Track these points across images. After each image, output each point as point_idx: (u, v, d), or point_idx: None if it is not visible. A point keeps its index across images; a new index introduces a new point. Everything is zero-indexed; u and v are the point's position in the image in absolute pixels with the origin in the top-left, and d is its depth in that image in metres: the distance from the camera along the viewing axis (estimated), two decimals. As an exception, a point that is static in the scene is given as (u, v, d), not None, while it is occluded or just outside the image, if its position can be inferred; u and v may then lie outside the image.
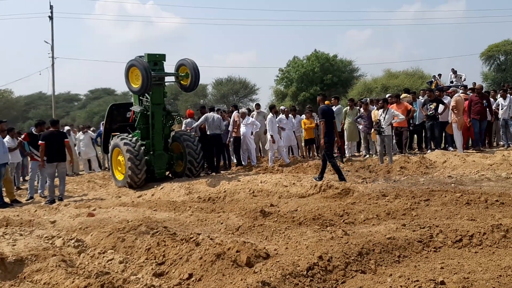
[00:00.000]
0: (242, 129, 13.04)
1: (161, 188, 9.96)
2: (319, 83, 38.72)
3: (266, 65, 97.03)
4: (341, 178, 9.23)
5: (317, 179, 9.27)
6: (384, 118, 11.22)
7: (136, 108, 11.52)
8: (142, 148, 10.86)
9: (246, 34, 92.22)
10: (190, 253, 4.41)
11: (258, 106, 14.90)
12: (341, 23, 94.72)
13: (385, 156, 11.41)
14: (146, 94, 10.98)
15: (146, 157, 10.92)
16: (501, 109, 12.51)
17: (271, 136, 12.81)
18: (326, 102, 11.83)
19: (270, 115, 13.21)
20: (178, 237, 4.94)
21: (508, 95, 12.47)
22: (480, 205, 6.21)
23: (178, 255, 4.48)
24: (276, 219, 6.31)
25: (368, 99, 15.69)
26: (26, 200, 10.70)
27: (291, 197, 8.12)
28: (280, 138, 13.33)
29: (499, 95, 12.87)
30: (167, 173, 11.92)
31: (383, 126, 11.19)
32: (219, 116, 12.83)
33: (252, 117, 13.69)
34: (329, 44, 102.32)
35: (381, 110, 11.51)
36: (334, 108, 12.28)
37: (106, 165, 15.69)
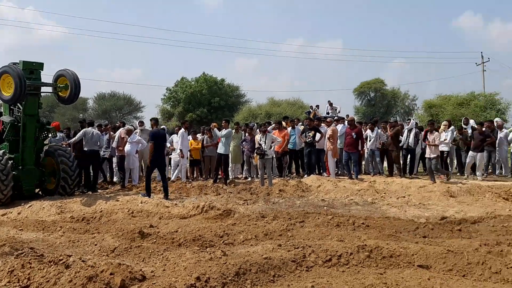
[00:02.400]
0: (127, 147, 12.62)
1: (29, 206, 9.12)
2: (207, 105, 39.13)
3: (153, 83, 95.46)
4: (148, 195, 10.16)
5: (144, 195, 10.14)
6: (265, 142, 11.74)
7: (5, 118, 10.51)
8: (10, 162, 9.89)
9: (134, 50, 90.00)
10: (59, 276, 4.09)
11: (141, 123, 14.50)
12: (230, 49, 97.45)
13: (265, 179, 11.86)
14: (18, 104, 10.09)
15: (14, 172, 9.95)
16: (369, 140, 13.79)
17: (181, 151, 13.14)
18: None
19: (182, 130, 13.19)
20: (45, 259, 4.55)
21: (376, 128, 13.83)
22: (349, 227, 6.72)
23: (45, 278, 4.12)
24: (155, 240, 6.14)
25: (254, 124, 16.21)
26: None
27: (172, 218, 7.98)
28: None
29: (367, 128, 14.18)
30: (36, 190, 10.97)
31: (265, 150, 11.69)
32: (98, 132, 12.29)
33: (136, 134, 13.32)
34: (218, 69, 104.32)
35: (260, 135, 12.09)
36: (224, 131, 12.55)
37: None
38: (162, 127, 14.70)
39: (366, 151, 14.09)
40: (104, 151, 12.89)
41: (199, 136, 14.43)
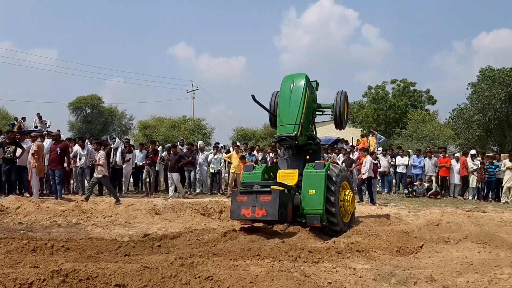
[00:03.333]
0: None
1: None
2: None
3: None
4: None
5: None
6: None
7: None
8: None
9: None
10: None
11: None
12: None
13: None
14: None
15: None
16: (79, 158, 13.25)
17: None
18: None
19: None
20: None
21: (86, 145, 13.39)
22: (46, 251, 6.18)
23: None
24: None
25: None
26: None
27: None
28: None
29: (76, 145, 13.63)
30: None
31: None
32: None
33: None
34: None
35: None
36: None
37: None
38: None
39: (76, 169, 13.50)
40: None
41: None
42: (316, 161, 8.23)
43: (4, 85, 74.50)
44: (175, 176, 13.47)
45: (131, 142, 17.67)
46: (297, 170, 8.57)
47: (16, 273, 4.75)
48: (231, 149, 16.34)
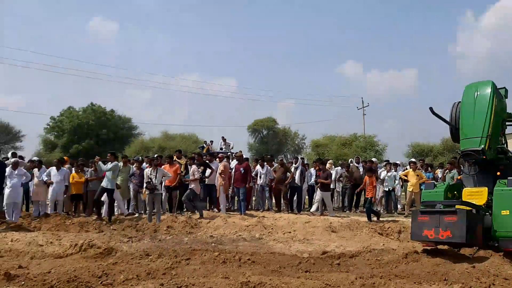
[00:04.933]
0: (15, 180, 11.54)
1: None
2: (94, 137, 37.34)
3: (35, 111, 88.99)
4: None
5: None
6: (155, 176, 11.43)
7: None
8: None
9: (17, 76, 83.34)
10: None
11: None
12: (122, 80, 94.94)
13: (153, 215, 11.47)
14: None
15: None
16: (259, 177, 14.12)
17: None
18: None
19: None
20: None
21: (265, 164, 14.19)
22: (235, 263, 6.70)
23: None
24: (23, 282, 5.55)
25: (140, 157, 15.74)
26: None
27: (45, 258, 7.31)
28: None
29: (258, 165, 14.53)
30: None
31: (156, 184, 11.36)
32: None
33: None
34: (107, 100, 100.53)
35: (151, 169, 11.74)
36: (110, 165, 11.95)
37: None
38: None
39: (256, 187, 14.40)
40: None
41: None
42: (508, 178, 7.29)
43: (193, 112, 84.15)
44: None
45: (305, 161, 18.06)
46: (486, 188, 7.71)
47: (210, 282, 5.25)
48: (408, 167, 15.50)
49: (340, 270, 6.45)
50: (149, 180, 11.52)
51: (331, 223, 10.97)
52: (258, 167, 14.36)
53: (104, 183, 12.00)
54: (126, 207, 13.84)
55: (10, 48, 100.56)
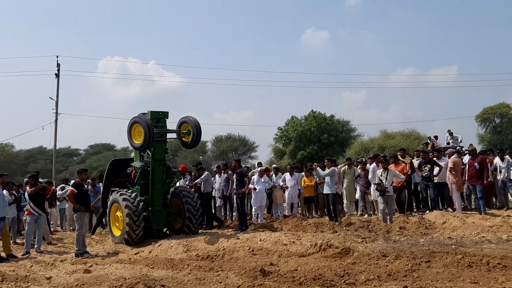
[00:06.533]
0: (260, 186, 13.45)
1: (159, 245, 9.83)
2: (317, 142, 39.21)
3: (264, 123, 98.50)
4: None
5: None
6: (386, 178, 11.30)
7: (137, 164, 11.61)
8: (141, 204, 10.84)
9: (245, 94, 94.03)
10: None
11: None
12: (337, 85, 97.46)
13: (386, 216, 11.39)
14: (147, 150, 11.09)
15: (144, 213, 10.86)
16: (499, 171, 12.63)
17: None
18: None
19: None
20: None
21: (507, 157, 12.60)
22: (482, 267, 6.15)
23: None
24: (276, 278, 6.22)
25: (363, 158, 15.85)
26: (22, 255, 10.51)
27: (291, 256, 8.03)
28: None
29: (497, 157, 13.02)
30: (164, 229, 11.80)
31: (386, 186, 11.26)
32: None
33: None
34: (326, 105, 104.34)
35: (381, 170, 11.63)
36: (328, 170, 12.43)
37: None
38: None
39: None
40: (222, 190, 13.78)
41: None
42: None
43: (411, 108, 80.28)
44: None
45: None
46: None
47: (458, 287, 4.95)
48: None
49: None
50: (380, 182, 11.48)
51: None
52: (497, 159, 12.85)
53: (324, 190, 12.58)
54: (354, 209, 14.20)
55: (236, 70, 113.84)
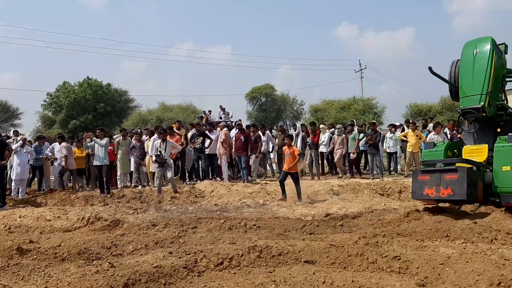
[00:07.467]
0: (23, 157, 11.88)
1: None
2: (92, 111, 37.24)
3: (31, 88, 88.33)
4: None
5: None
6: (165, 149, 11.30)
7: None
8: None
9: (7, 52, 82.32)
10: None
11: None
12: (115, 52, 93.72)
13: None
14: None
15: None
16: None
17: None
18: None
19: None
20: None
21: (267, 132, 14.27)
22: (240, 229, 6.84)
23: None
24: (35, 256, 5.66)
25: (139, 129, 15.77)
26: None
27: (54, 232, 7.44)
28: None
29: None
30: None
31: (166, 158, 11.29)
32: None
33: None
34: (103, 73, 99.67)
35: (160, 141, 11.50)
36: (104, 141, 11.96)
37: None
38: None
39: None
40: None
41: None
42: (509, 134, 7.35)
43: (190, 83, 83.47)
44: None
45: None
46: (486, 145, 7.79)
47: (217, 248, 5.36)
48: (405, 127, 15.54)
49: (344, 231, 6.59)
50: (159, 153, 11.35)
51: (332, 186, 11.11)
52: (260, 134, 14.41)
53: (98, 161, 12.09)
54: (128, 180, 14.03)
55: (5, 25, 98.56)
